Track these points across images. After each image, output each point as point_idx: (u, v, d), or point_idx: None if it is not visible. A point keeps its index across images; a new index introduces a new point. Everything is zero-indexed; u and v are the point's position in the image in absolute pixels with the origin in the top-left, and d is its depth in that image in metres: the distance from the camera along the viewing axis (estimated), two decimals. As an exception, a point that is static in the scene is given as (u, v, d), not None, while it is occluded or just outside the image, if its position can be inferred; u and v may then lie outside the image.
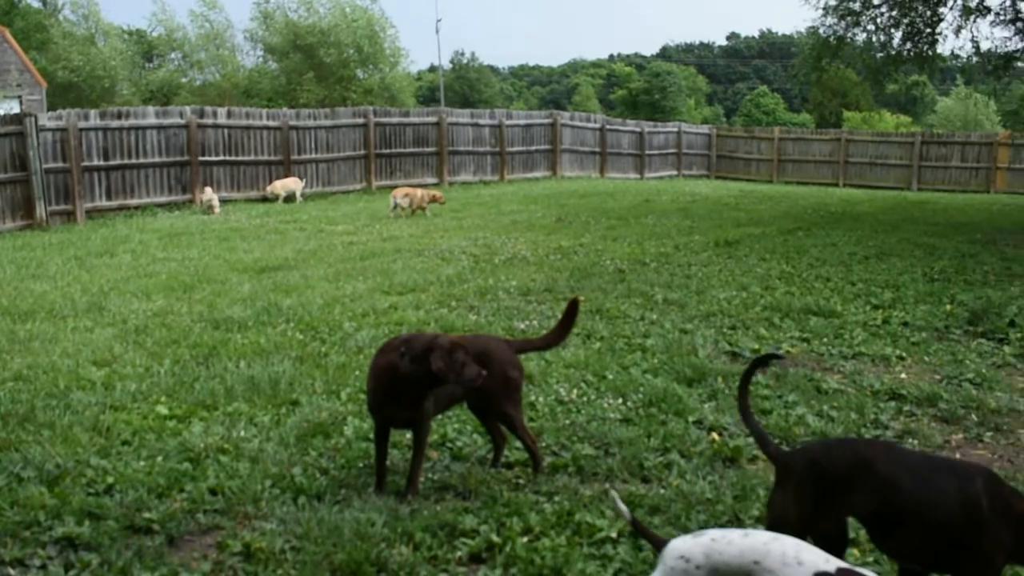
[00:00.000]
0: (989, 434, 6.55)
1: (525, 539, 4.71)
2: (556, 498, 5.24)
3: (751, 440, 6.19)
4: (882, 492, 3.65)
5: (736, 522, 4.92)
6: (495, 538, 4.70)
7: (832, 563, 3.19)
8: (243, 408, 6.80)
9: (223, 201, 22.79)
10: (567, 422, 6.51)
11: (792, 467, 3.91)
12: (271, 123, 25.45)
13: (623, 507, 3.57)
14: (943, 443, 6.37)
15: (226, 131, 24.35)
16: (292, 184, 24.58)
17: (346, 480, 5.50)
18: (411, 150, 28.49)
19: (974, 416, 6.88)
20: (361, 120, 27.31)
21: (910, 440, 6.37)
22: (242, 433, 6.25)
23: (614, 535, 4.75)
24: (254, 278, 12.33)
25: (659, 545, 3.42)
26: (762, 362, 4.32)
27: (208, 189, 22.48)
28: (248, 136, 24.83)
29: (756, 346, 8.65)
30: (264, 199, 24.09)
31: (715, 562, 3.22)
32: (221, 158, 24.15)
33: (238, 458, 5.78)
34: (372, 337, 8.84)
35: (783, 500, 3.88)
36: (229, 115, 24.84)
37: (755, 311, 10.22)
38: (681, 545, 3.33)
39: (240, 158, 24.59)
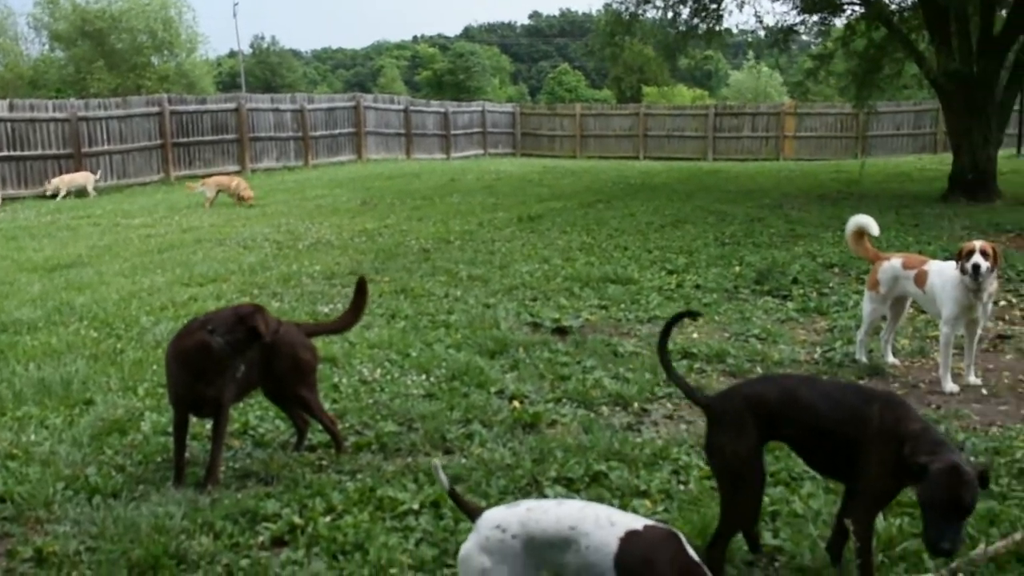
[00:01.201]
0: (770, 385, 6.93)
1: (328, 518, 4.72)
2: (359, 476, 5.27)
3: (551, 406, 6.41)
4: (805, 417, 3.93)
5: (535, 485, 5.06)
6: (297, 520, 4.70)
7: (640, 521, 3.35)
8: (33, 411, 6.51)
9: (9, 199, 21.64)
10: (371, 401, 6.53)
11: (727, 409, 4.08)
12: (58, 115, 24.31)
13: (443, 478, 3.61)
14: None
15: (9, 125, 23.13)
16: (81, 179, 23.42)
17: (144, 476, 5.37)
18: (210, 138, 27.75)
19: (759, 369, 7.29)
20: (156, 108, 26.41)
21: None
22: (32, 437, 5.99)
23: (416, 507, 4.81)
24: (45, 277, 11.78)
25: (474, 515, 3.47)
26: (679, 319, 4.52)
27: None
28: (33, 129, 23.67)
29: (556, 315, 8.87)
30: (50, 195, 22.81)
31: (531, 530, 3.30)
32: (5, 153, 22.93)
33: (28, 462, 5.54)
34: (170, 330, 8.55)
35: (728, 441, 4.02)
36: (11, 108, 23.62)
37: (556, 282, 10.46)
38: (497, 515, 3.41)
39: (25, 153, 23.40)
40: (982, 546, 4.12)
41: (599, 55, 29.98)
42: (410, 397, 6.62)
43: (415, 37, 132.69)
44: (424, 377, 7.08)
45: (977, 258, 6.61)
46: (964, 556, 4.04)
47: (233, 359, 5.15)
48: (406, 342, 8.00)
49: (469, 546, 3.36)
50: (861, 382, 6.99)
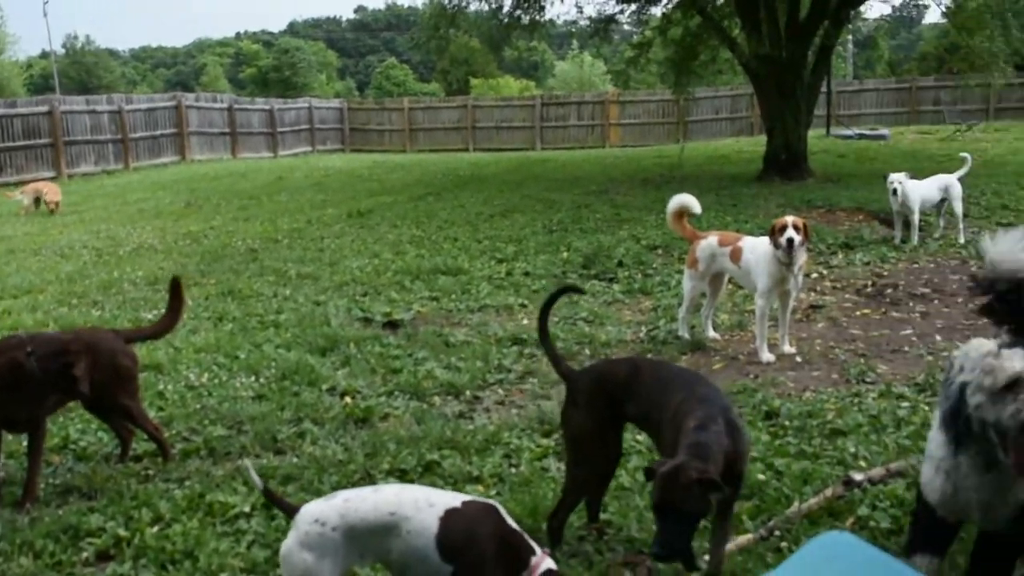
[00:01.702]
0: (599, 365, 7.11)
1: (155, 528, 4.61)
2: (187, 483, 5.15)
3: (383, 399, 6.41)
4: (638, 398, 3.98)
5: (368, 478, 5.06)
6: (123, 532, 4.56)
7: (458, 498, 3.40)
8: None
9: None
10: (198, 406, 6.39)
11: (582, 384, 4.22)
12: None
13: (256, 477, 3.56)
14: (560, 378, 6.82)
15: None
16: None
17: (-45, 497, 5.12)
18: (22, 143, 26.36)
19: (587, 350, 7.46)
20: (-41, 114, 25.00)
21: (531, 380, 6.82)
22: None
23: (247, 510, 4.74)
24: None
25: (291, 512, 3.43)
26: (561, 293, 4.63)
27: None
28: None
29: (387, 309, 8.86)
30: None
31: (351, 521, 3.29)
32: None
33: None
34: (-18, 345, 8.19)
35: (577, 414, 4.18)
36: None
37: (387, 276, 10.44)
38: (314, 509, 3.37)
39: None
40: (796, 504, 4.34)
41: (425, 48, 29.85)
42: (239, 399, 6.50)
43: (238, 34, 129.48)
44: (253, 379, 6.97)
45: (790, 232, 6.94)
46: (780, 515, 4.25)
47: (44, 387, 4.96)
48: (234, 344, 7.84)
49: (289, 543, 3.33)
50: (684, 357, 7.27)
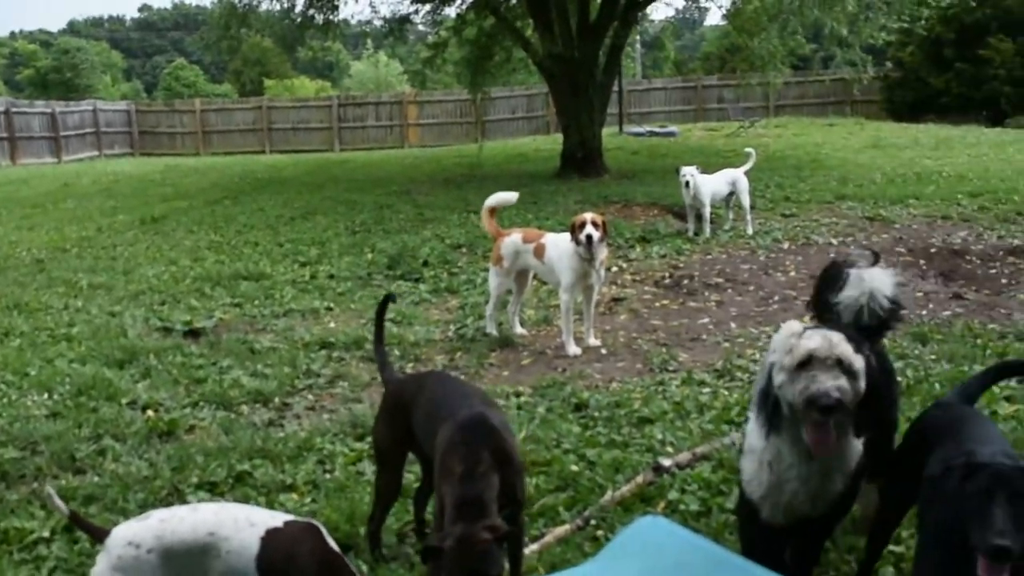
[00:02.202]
0: (410, 365, 7.13)
1: (-58, 559, 4.31)
2: (-23, 511, 4.84)
3: (187, 411, 6.20)
4: (419, 421, 3.84)
5: (176, 494, 4.88)
6: (-95, 566, 4.25)
7: (279, 518, 3.31)
8: None
9: None
10: (-13, 428, 6.01)
11: (387, 393, 4.17)
12: None
13: (59, 502, 3.36)
14: (370, 381, 6.79)
15: None
16: None
17: None
18: None
19: (396, 351, 7.43)
20: None
21: (341, 384, 6.74)
22: None
23: (47, 535, 4.50)
24: None
25: (100, 536, 3.24)
26: (388, 300, 4.70)
27: None
28: None
29: (188, 318, 8.57)
30: None
31: (168, 542, 3.13)
32: None
33: None
34: None
35: (379, 423, 4.15)
36: None
37: (185, 284, 10.12)
38: (127, 531, 3.20)
39: None
40: (610, 492, 4.45)
41: (216, 48, 28.99)
42: (32, 419, 6.14)
43: (13, 33, 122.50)
44: (47, 396, 6.61)
45: (588, 229, 7.10)
46: (594, 504, 4.35)
47: None
48: (23, 361, 7.41)
49: (100, 568, 3.15)
50: (493, 353, 7.35)
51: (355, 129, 38.26)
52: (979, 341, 6.80)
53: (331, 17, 23.09)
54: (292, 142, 37.91)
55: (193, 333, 8.19)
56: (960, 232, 10.95)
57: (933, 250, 10.11)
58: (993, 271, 9.25)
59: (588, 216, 7.26)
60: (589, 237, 7.11)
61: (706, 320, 8.08)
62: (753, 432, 3.27)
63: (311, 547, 3.20)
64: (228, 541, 3.15)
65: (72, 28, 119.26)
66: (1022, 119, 31.79)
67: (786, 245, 10.82)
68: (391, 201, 15.61)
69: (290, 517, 3.35)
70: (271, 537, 3.18)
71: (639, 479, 4.56)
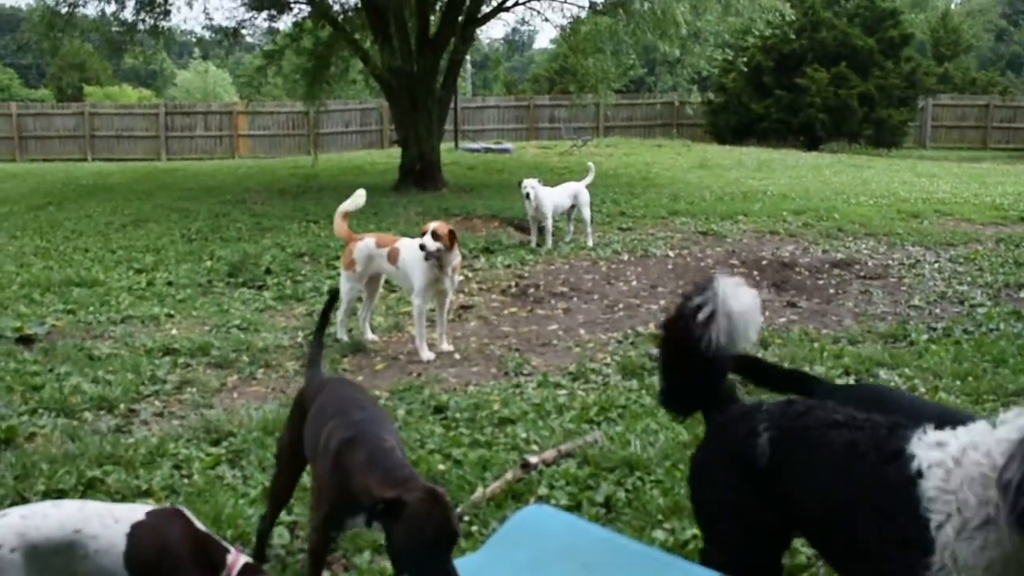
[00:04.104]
0: (261, 371, 7.00)
1: None
2: None
3: (26, 418, 5.92)
4: (308, 423, 3.68)
5: (22, 501, 4.63)
6: None
7: (141, 510, 3.17)
8: None
9: None
10: None
11: (296, 397, 4.03)
12: None
13: None
14: (220, 386, 6.65)
15: None
16: None
17: None
18: None
19: (245, 358, 7.29)
20: None
21: (189, 389, 6.55)
22: None
23: None
24: None
25: None
26: (333, 298, 4.79)
27: None
28: None
29: (18, 324, 8.15)
30: None
31: (32, 540, 2.95)
32: None
33: None
34: None
35: (285, 426, 4.03)
36: None
37: (12, 290, 9.66)
38: None
39: None
40: (480, 489, 4.48)
41: (38, 50, 27.78)
42: None
43: None
44: None
45: (425, 239, 7.15)
46: (466, 501, 4.37)
47: None
48: None
49: None
50: (345, 359, 7.30)
51: (183, 139, 37.18)
52: (816, 345, 7.15)
53: (161, 23, 22.46)
54: (116, 150, 36.52)
55: (25, 340, 7.80)
56: (788, 246, 11.49)
57: (764, 262, 10.57)
58: (821, 282, 9.75)
59: (431, 226, 7.31)
60: (422, 247, 7.17)
61: (555, 327, 8.22)
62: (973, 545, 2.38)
63: (180, 534, 3.08)
64: (96, 540, 3.00)
65: None
66: (835, 144, 33.70)
67: (626, 257, 11.11)
68: (227, 210, 15.26)
69: (152, 507, 3.23)
70: (137, 530, 3.04)
71: (508, 476, 4.60)
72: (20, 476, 4.95)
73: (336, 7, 21.44)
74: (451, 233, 7.29)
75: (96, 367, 6.98)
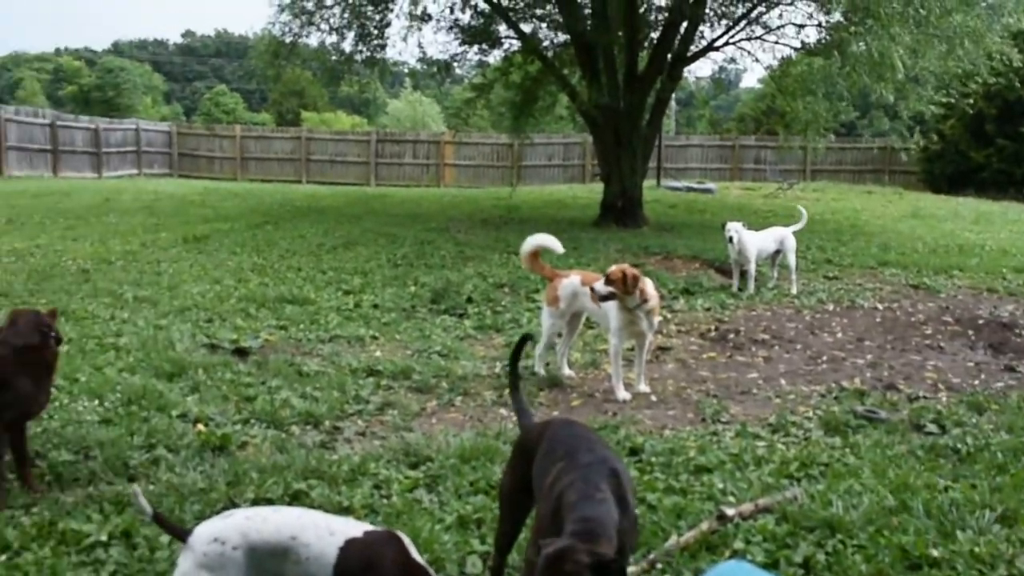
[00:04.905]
0: (459, 398, 7.12)
1: (3, 557, 4.31)
2: (35, 510, 4.84)
3: (239, 427, 6.21)
4: (536, 462, 3.70)
5: (232, 507, 4.86)
6: (-34, 560, 4.26)
7: (359, 527, 3.29)
8: None
9: None
10: (39, 429, 6.01)
11: (516, 441, 4.11)
12: None
13: (145, 503, 3.36)
14: (420, 411, 6.80)
15: None
16: None
17: None
18: None
19: (444, 384, 7.44)
20: None
21: (391, 411, 6.73)
22: None
23: (104, 538, 4.49)
24: None
25: (183, 535, 3.25)
26: (522, 344, 4.68)
27: None
28: None
29: (234, 336, 8.60)
30: None
31: (253, 540, 3.15)
32: None
33: None
34: None
35: (505, 469, 4.08)
36: None
37: (230, 303, 10.15)
38: (211, 528, 3.22)
39: None
40: (674, 538, 4.41)
41: (262, 76, 29.41)
42: (84, 423, 6.17)
43: (58, 49, 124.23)
44: (97, 402, 6.64)
45: (598, 283, 7.22)
46: (659, 548, 4.31)
47: None
48: (73, 366, 7.43)
49: (185, 567, 3.15)
50: (541, 393, 7.34)
51: (391, 165, 38.56)
52: (1036, 413, 6.73)
53: (377, 55, 23.33)
54: (328, 174, 38.20)
55: (240, 352, 8.21)
56: (1007, 306, 10.88)
57: (981, 322, 10.03)
58: (1044, 347, 9.18)
59: (612, 268, 7.31)
60: (592, 289, 7.25)
61: (755, 375, 8.03)
62: None
63: (392, 557, 3.17)
64: (308, 548, 3.15)
65: (116, 48, 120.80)
66: (1061, 198, 31.75)
67: (831, 307, 10.78)
68: (431, 237, 15.66)
69: (370, 527, 3.33)
70: (349, 547, 3.16)
71: (703, 526, 4.52)
72: (232, 482, 5.20)
73: (546, 43, 21.83)
74: (628, 277, 7.18)
75: (304, 383, 7.27)
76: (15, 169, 30.74)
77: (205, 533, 3.19)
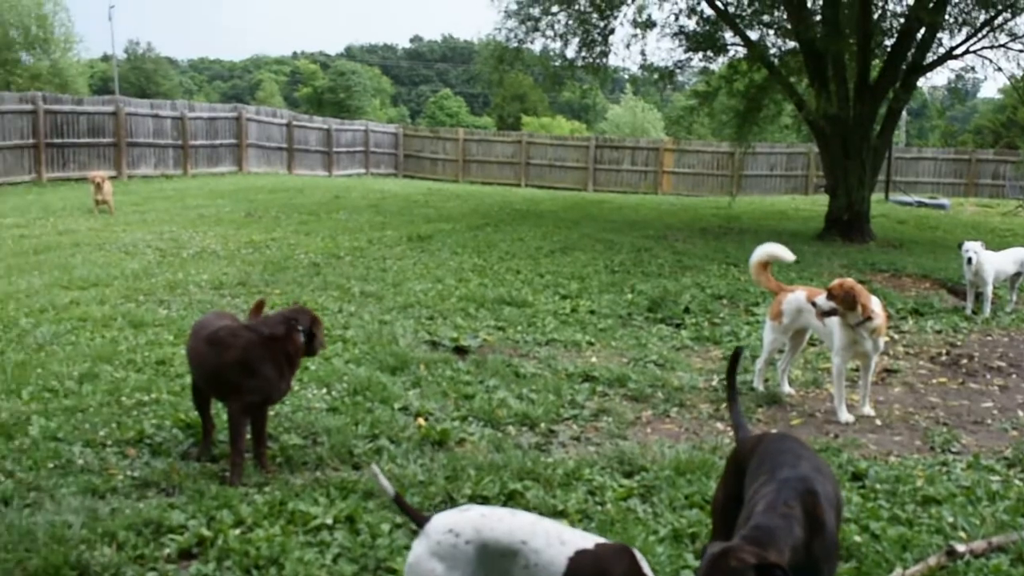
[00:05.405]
0: (675, 409, 7.03)
1: (237, 531, 4.56)
2: (267, 489, 5.11)
3: (457, 424, 6.34)
4: (747, 476, 3.69)
5: (450, 502, 4.99)
6: (205, 532, 4.53)
7: (591, 540, 3.28)
8: (-92, 414, 6.15)
9: None
10: (271, 413, 6.32)
11: (729, 454, 4.10)
12: (-78, 106, 23.08)
13: (386, 484, 3.48)
14: (635, 419, 6.76)
15: None
16: None
17: (35, 482, 5.09)
18: (86, 140, 26.67)
19: (660, 394, 7.37)
20: (29, 106, 25.23)
21: (605, 418, 6.72)
22: (-91, 441, 5.65)
23: (329, 522, 4.69)
24: (-91, 274, 11.18)
25: (421, 521, 3.36)
26: (737, 356, 4.60)
27: None
28: None
29: (454, 335, 8.79)
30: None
31: (486, 538, 3.21)
32: None
33: (-96, 462, 5.23)
34: (53, 333, 8.26)
35: (719, 482, 4.03)
36: None
37: (451, 302, 10.39)
38: (448, 519, 3.30)
39: None
40: (899, 570, 4.22)
41: (486, 80, 30.09)
42: (312, 410, 6.47)
43: (295, 53, 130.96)
44: (325, 391, 6.94)
45: (820, 298, 7.01)
46: (883, 580, 4.13)
47: None
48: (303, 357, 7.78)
49: (419, 551, 3.25)
50: (760, 410, 7.16)
51: (609, 171, 38.63)
52: None
53: (600, 61, 23.41)
54: (547, 178, 38.65)
55: (460, 350, 8.39)
56: None
57: None
58: None
59: (835, 283, 7.10)
60: (813, 304, 7.05)
61: (989, 404, 7.58)
62: None
63: (622, 572, 3.15)
64: (537, 554, 3.17)
65: (348, 53, 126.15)
66: None
67: (1076, 336, 10.07)
68: (649, 245, 15.58)
69: (602, 540, 3.32)
70: (579, 559, 3.16)
71: (931, 561, 4.30)
72: (450, 477, 5.32)
73: (773, 50, 21.33)
74: (849, 294, 6.89)
75: (521, 384, 7.36)
76: (254, 165, 32.59)
77: (442, 523, 3.28)
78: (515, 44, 23.63)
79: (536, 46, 24.12)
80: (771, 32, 21.81)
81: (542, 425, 6.49)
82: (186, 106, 31.53)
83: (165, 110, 29.99)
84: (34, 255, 12.79)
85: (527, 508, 4.91)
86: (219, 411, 5.77)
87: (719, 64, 22.87)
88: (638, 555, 3.21)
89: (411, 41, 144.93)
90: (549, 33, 23.29)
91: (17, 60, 49.64)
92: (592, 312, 10.27)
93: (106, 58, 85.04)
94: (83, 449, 5.59)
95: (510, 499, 5.05)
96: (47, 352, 7.69)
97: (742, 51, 21.23)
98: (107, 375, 7.12)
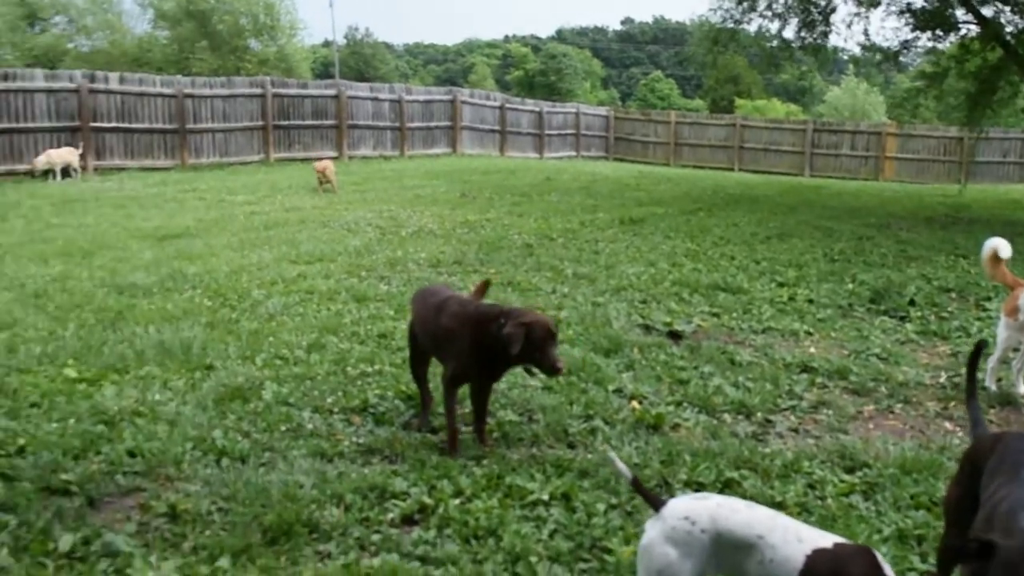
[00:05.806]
0: (899, 405, 6.74)
1: (457, 501, 4.69)
2: (484, 462, 5.22)
3: (671, 409, 6.29)
4: (986, 476, 3.51)
5: (665, 486, 4.97)
6: (427, 500, 4.67)
7: (829, 539, 3.21)
8: (156, 372, 6.64)
9: (116, 169, 22.19)
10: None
11: (966, 451, 3.93)
12: (166, 90, 24.69)
13: (623, 467, 3.49)
14: (856, 413, 6.52)
15: (119, 97, 23.55)
16: (68, 155, 21.41)
17: (269, 444, 5.39)
18: (310, 122, 28.01)
19: (883, 388, 7.07)
20: (259, 90, 26.71)
21: (825, 411, 6.52)
22: (157, 396, 6.09)
23: (545, 497, 4.75)
24: (156, 245, 12.01)
25: (657, 504, 3.36)
26: (979, 351, 4.36)
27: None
28: (142, 103, 24.06)
29: (668, 319, 8.72)
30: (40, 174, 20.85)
31: (720, 528, 3.19)
32: (114, 125, 23.36)
33: (155, 421, 5.64)
34: (283, 305, 8.69)
35: (953, 478, 3.90)
36: (122, 81, 24.06)
37: (664, 286, 10.31)
38: (684, 505, 3.30)
39: (134, 125, 23.82)
40: None
41: (699, 62, 29.70)
42: (528, 388, 6.55)
43: (507, 36, 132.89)
44: (540, 370, 7.01)
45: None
46: None
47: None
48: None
49: (653, 535, 3.24)
50: (992, 411, 6.79)
51: (827, 156, 37.37)
52: None
53: (820, 41, 22.72)
54: (761, 162, 37.79)
55: (673, 335, 8.32)
56: None
57: None
58: None
59: None
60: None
61: None
62: None
63: (862, 573, 3.05)
64: (774, 550, 3.11)
65: (559, 36, 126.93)
66: None
67: None
68: (871, 233, 15.01)
69: (840, 539, 3.22)
70: (817, 557, 3.08)
71: None
72: (665, 462, 5.29)
73: (1009, 28, 20.06)
74: None
75: (737, 372, 7.22)
76: (467, 147, 33.27)
77: (678, 508, 3.27)
78: (731, 25, 23.24)
79: (752, 26, 23.64)
80: (1007, 8, 20.51)
81: (758, 414, 6.34)
82: (403, 89, 32.49)
83: (384, 93, 31.02)
84: (264, 230, 13.49)
85: (744, 497, 4.81)
86: (437, 385, 5.92)
87: (948, 43, 21.79)
88: (880, 558, 3.09)
89: (622, 23, 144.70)
90: (767, 13, 22.80)
91: (247, 47, 52.35)
92: (810, 301, 9.96)
93: (327, 44, 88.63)
94: (312, 415, 5.86)
95: (726, 487, 4.97)
96: (277, 322, 8.10)
97: (975, 29, 20.16)
98: (333, 346, 7.44)
